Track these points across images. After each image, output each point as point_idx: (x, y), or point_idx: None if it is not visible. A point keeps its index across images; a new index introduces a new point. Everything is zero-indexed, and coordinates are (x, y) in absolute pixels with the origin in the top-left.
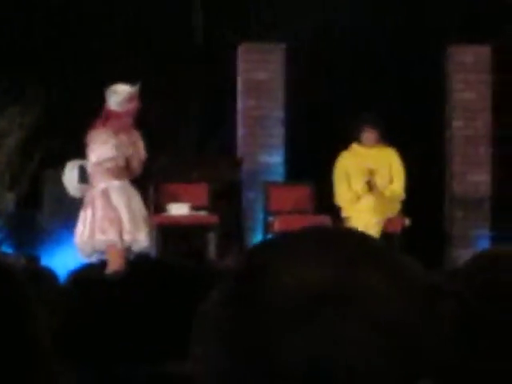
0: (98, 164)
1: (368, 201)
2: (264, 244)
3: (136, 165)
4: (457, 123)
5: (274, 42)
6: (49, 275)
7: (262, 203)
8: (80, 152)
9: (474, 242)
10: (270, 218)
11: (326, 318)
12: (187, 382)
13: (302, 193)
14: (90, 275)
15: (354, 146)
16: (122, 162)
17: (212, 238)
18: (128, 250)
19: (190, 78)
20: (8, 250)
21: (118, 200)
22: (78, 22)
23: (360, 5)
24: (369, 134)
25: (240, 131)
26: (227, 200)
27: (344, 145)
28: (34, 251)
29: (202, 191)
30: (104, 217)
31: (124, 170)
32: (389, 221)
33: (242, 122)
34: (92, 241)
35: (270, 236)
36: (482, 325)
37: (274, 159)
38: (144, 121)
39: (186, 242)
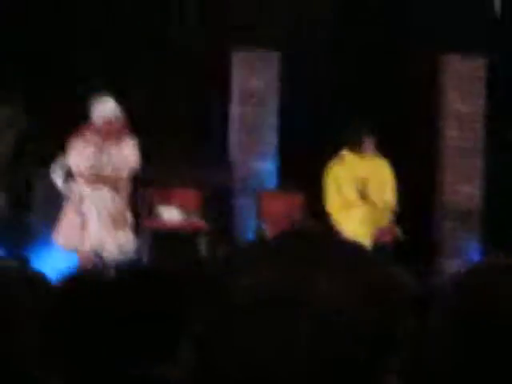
0: (75, 171)
1: (359, 210)
2: (240, 248)
3: (123, 172)
4: (449, 133)
5: (269, 49)
6: (40, 278)
7: (253, 210)
8: None
9: (464, 252)
10: (262, 225)
11: (277, 317)
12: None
13: (293, 200)
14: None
15: (346, 155)
16: (101, 171)
17: (202, 244)
18: (95, 254)
19: (183, 84)
20: None
21: (89, 206)
22: (70, 28)
23: (354, 14)
24: (369, 143)
25: (233, 138)
26: (218, 206)
27: (336, 153)
28: (24, 253)
29: (193, 196)
30: (67, 222)
31: (105, 178)
32: (380, 231)
33: (235, 128)
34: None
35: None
36: (471, 336)
37: (267, 166)
38: (137, 125)
39: (177, 246)
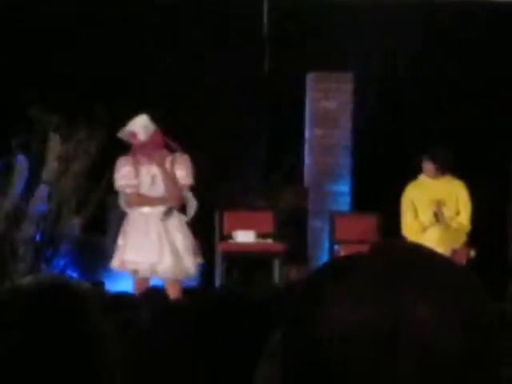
0: (120, 192)
1: (434, 232)
2: (318, 279)
3: (172, 191)
4: None
5: (343, 70)
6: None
7: (327, 232)
8: None
9: None
10: (336, 247)
11: (373, 354)
12: None
13: (368, 223)
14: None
15: (422, 177)
16: (143, 190)
17: (277, 266)
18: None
19: (257, 106)
20: (73, 274)
21: (132, 227)
22: (142, 50)
23: (429, 32)
24: (427, 166)
25: (307, 160)
26: (293, 228)
27: (412, 175)
28: (98, 276)
29: (267, 219)
30: (120, 245)
31: (150, 198)
32: (454, 252)
33: (309, 150)
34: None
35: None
36: None
37: (341, 188)
38: (211, 149)
39: (251, 269)
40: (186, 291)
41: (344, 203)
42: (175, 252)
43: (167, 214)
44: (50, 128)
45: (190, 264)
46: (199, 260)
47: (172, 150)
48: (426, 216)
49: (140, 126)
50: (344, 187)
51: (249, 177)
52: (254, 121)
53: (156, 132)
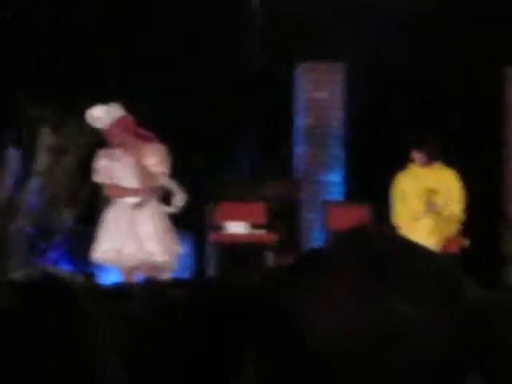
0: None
1: (426, 221)
2: (293, 274)
3: (144, 182)
4: None
5: (333, 60)
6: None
7: (320, 222)
8: None
9: None
10: (328, 237)
11: (367, 363)
12: None
13: (360, 213)
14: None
15: (413, 166)
16: (120, 182)
17: (270, 257)
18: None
19: (248, 96)
20: (65, 267)
21: (106, 218)
22: (133, 43)
23: (420, 23)
24: (415, 155)
25: (299, 150)
26: (285, 219)
27: (404, 164)
28: (91, 268)
29: (260, 210)
30: (102, 237)
31: (126, 189)
32: (447, 241)
33: (300, 141)
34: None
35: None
36: None
37: (333, 178)
38: (202, 140)
39: (244, 260)
40: (178, 282)
41: (336, 193)
42: (138, 237)
43: (138, 206)
44: (40, 121)
45: (156, 250)
46: (174, 250)
47: (149, 141)
48: (417, 205)
49: (103, 110)
50: (336, 177)
51: (240, 168)
52: (246, 112)
53: (123, 118)
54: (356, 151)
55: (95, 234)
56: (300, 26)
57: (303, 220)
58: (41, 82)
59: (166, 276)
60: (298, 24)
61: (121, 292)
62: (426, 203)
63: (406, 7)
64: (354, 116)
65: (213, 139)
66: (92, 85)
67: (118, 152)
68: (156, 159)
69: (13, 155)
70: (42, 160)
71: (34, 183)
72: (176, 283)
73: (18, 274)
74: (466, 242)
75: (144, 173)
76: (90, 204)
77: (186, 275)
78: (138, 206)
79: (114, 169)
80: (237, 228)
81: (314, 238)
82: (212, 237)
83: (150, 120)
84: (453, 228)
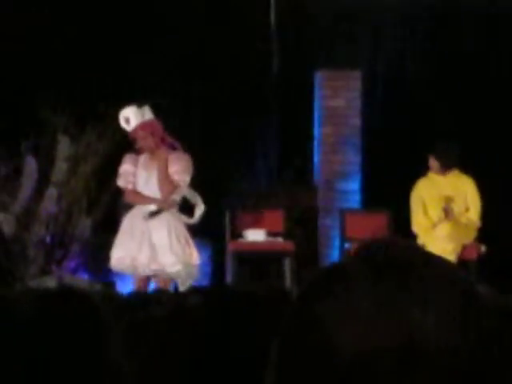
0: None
1: (444, 228)
2: (314, 286)
3: (164, 190)
4: None
5: (351, 68)
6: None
7: (338, 230)
8: None
9: None
10: (347, 245)
11: (388, 373)
12: None
13: (378, 220)
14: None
15: (431, 174)
16: (140, 188)
17: (288, 265)
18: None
19: (267, 105)
20: (84, 275)
21: (123, 226)
22: (151, 50)
23: (437, 31)
24: (432, 163)
25: (316, 158)
26: (303, 227)
27: (421, 172)
28: (109, 277)
29: (278, 218)
30: (118, 244)
31: (145, 196)
32: (465, 248)
33: (318, 148)
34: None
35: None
36: None
37: (351, 186)
38: (221, 149)
39: (262, 268)
40: (198, 290)
41: (354, 201)
42: (152, 248)
43: (152, 215)
44: (59, 129)
45: (169, 261)
46: (190, 261)
47: (174, 149)
48: (435, 212)
49: (133, 111)
50: (354, 185)
51: (259, 176)
52: (264, 120)
53: (152, 122)
54: (374, 159)
55: (113, 241)
56: (318, 34)
57: (321, 228)
58: (59, 91)
59: (187, 285)
60: (316, 32)
61: (139, 301)
62: (444, 210)
63: (423, 14)
64: (372, 123)
65: (231, 147)
66: (111, 94)
67: (143, 158)
68: (179, 168)
69: (31, 164)
70: (60, 169)
71: (51, 192)
72: (193, 291)
73: (35, 283)
74: (484, 249)
75: (166, 180)
76: (108, 212)
77: (204, 283)
78: (152, 214)
79: (136, 174)
80: (255, 236)
81: (332, 246)
82: (231, 245)
83: (169, 128)
84: (470, 235)
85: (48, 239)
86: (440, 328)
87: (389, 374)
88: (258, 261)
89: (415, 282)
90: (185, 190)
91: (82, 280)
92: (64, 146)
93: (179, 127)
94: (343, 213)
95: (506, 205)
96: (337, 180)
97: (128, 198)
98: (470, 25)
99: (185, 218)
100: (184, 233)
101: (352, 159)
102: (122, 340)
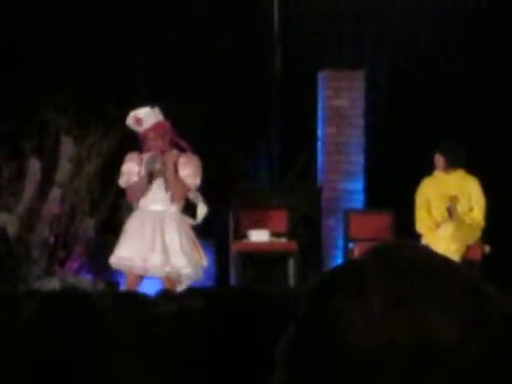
0: (123, 186)
1: (448, 228)
2: (328, 283)
3: (173, 189)
4: None
5: (354, 68)
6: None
7: (341, 230)
8: None
9: None
10: (350, 246)
11: (399, 370)
12: None
13: (382, 220)
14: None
15: (436, 173)
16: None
17: (291, 265)
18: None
19: (269, 105)
20: (87, 276)
21: (130, 224)
22: (154, 49)
23: (441, 29)
24: (438, 160)
25: (320, 158)
26: (307, 227)
27: (425, 172)
28: (113, 277)
29: (281, 218)
30: (120, 243)
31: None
32: (468, 248)
33: (321, 149)
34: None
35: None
36: None
37: (355, 186)
38: (224, 148)
39: (266, 268)
40: (202, 291)
41: (358, 201)
42: (165, 249)
43: (153, 163)
44: (62, 130)
45: (181, 263)
46: (199, 262)
47: (182, 150)
48: (439, 212)
49: (146, 112)
50: (357, 185)
51: (262, 176)
52: (266, 120)
53: (164, 123)
54: (377, 159)
55: (117, 241)
56: (321, 34)
57: (325, 228)
58: (62, 92)
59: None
60: (319, 32)
61: (143, 300)
62: (448, 210)
63: (426, 12)
64: (375, 123)
65: (235, 147)
66: (116, 94)
67: (146, 157)
68: (191, 171)
69: (34, 165)
70: (64, 169)
71: (55, 193)
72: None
73: (38, 284)
74: (488, 250)
75: (178, 184)
76: (112, 213)
77: (208, 284)
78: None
79: (138, 173)
80: (259, 236)
81: (336, 246)
82: (234, 245)
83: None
84: (474, 235)
85: (51, 240)
86: (453, 328)
87: (401, 370)
88: (261, 261)
89: (430, 282)
90: (192, 192)
91: (86, 280)
92: (67, 147)
93: (182, 127)
94: (347, 213)
95: (511, 205)
96: (340, 180)
97: (131, 196)
98: (474, 23)
99: (188, 219)
100: (191, 234)
101: (355, 159)
102: (125, 341)
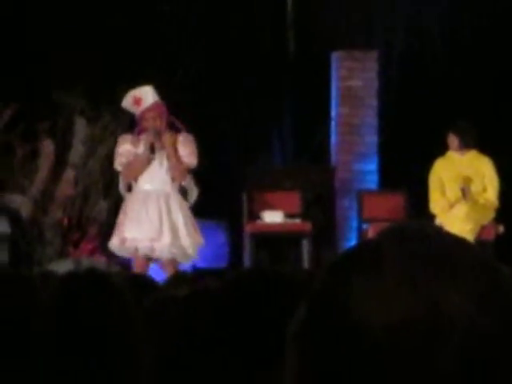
0: (119, 169)
1: (461, 208)
2: (342, 261)
3: (174, 168)
4: None
5: (368, 48)
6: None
7: (355, 211)
8: None
9: None
10: (364, 226)
11: (413, 350)
12: None
13: (396, 201)
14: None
15: (450, 153)
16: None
17: (305, 246)
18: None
19: (283, 86)
20: (101, 258)
21: (132, 205)
22: (166, 32)
23: (454, 8)
24: (451, 140)
25: (333, 139)
26: (321, 208)
27: (439, 152)
28: (125, 259)
29: (295, 199)
30: (119, 226)
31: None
32: (482, 228)
33: (335, 129)
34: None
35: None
36: None
37: (368, 167)
38: (237, 129)
39: (280, 249)
40: (216, 272)
41: (371, 182)
42: (174, 231)
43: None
44: (75, 111)
45: (188, 245)
46: (199, 242)
47: (177, 131)
48: (452, 192)
49: (145, 91)
50: (371, 165)
51: (276, 157)
52: (280, 101)
53: (161, 103)
54: (391, 139)
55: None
56: (334, 15)
57: (338, 209)
58: (75, 73)
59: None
60: (332, 12)
61: (157, 283)
62: (462, 191)
63: None
64: (389, 104)
65: (248, 128)
66: (127, 75)
67: (130, 138)
68: (189, 151)
69: (48, 146)
70: (77, 151)
71: (68, 174)
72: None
73: (52, 266)
74: (502, 229)
75: (179, 164)
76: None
77: (222, 265)
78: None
79: (135, 154)
80: (273, 217)
81: (350, 227)
82: (248, 226)
83: (186, 109)
84: (488, 215)
85: (65, 222)
86: (468, 306)
87: (415, 347)
88: (275, 242)
89: (444, 262)
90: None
91: (99, 262)
92: (80, 128)
93: (196, 108)
94: (360, 193)
95: None
96: (354, 161)
97: (129, 174)
98: (486, 1)
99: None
100: (190, 214)
101: (369, 140)
102: (144, 321)
